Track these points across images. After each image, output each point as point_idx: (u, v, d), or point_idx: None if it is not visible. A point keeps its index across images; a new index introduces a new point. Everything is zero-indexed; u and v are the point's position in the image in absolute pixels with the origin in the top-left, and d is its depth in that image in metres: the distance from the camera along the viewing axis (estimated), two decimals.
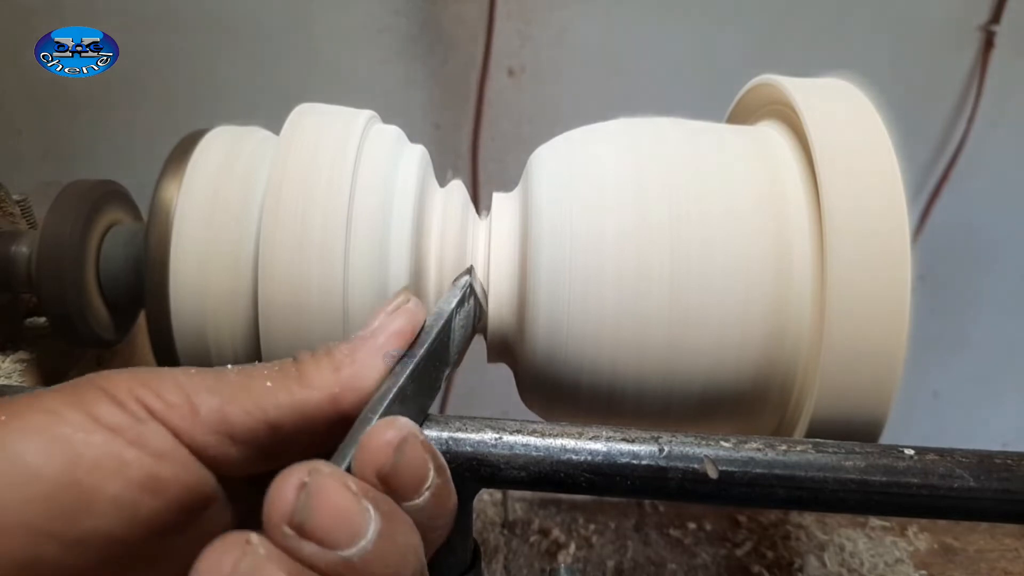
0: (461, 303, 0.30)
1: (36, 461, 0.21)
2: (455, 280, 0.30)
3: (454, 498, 0.25)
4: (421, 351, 0.27)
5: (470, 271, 0.31)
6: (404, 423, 0.24)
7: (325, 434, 0.25)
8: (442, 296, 0.30)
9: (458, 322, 0.29)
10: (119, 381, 0.24)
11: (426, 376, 0.27)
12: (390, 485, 0.23)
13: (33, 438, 0.22)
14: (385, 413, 0.24)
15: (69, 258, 0.37)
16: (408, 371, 0.26)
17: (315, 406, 0.25)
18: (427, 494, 0.23)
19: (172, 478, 0.23)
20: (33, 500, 0.21)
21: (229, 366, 0.26)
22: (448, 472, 0.24)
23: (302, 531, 0.20)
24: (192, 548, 0.24)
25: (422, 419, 0.28)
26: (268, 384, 0.25)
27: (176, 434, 0.23)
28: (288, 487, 0.21)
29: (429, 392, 0.27)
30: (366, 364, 0.26)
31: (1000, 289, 1.11)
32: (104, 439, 0.22)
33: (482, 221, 0.40)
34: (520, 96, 0.96)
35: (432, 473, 0.24)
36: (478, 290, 0.31)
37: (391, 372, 0.26)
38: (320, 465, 0.22)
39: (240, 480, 0.25)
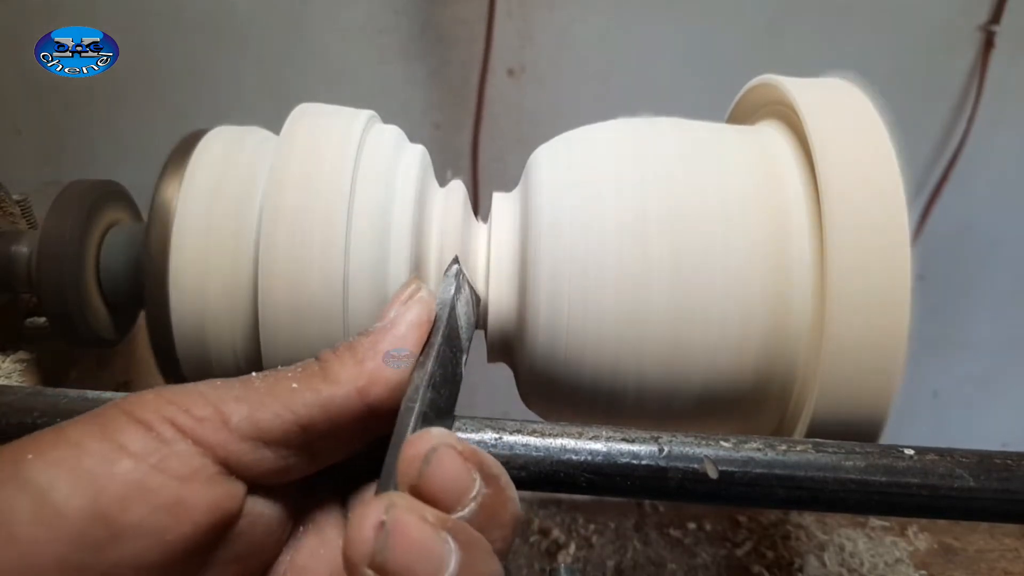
0: (458, 290, 0.30)
1: (61, 497, 0.21)
2: (446, 271, 0.31)
3: (512, 508, 0.23)
4: (439, 337, 0.27)
5: (456, 260, 0.31)
6: (435, 433, 0.23)
7: (357, 428, 0.25)
8: (438, 287, 0.30)
9: (460, 308, 0.30)
10: (146, 403, 0.24)
11: (448, 363, 0.27)
12: (423, 498, 0.22)
13: (58, 474, 0.22)
14: (422, 401, 0.24)
15: (69, 258, 0.37)
16: (432, 357, 0.26)
17: (343, 401, 0.25)
18: (472, 505, 0.22)
19: (198, 499, 0.23)
20: (62, 537, 0.21)
21: (254, 374, 0.26)
22: (504, 480, 0.23)
23: (384, 570, 0.20)
24: (229, 562, 0.24)
25: (452, 407, 0.28)
26: (294, 386, 0.25)
27: (210, 448, 0.23)
28: (367, 526, 0.20)
29: (453, 379, 0.28)
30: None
31: (1000, 289, 1.11)
32: (128, 467, 0.22)
33: (482, 221, 0.40)
34: (520, 96, 0.96)
35: (478, 483, 0.22)
36: (469, 277, 0.32)
37: (417, 362, 0.26)
38: (396, 499, 0.21)
39: (279, 486, 0.25)
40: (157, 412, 0.23)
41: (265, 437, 0.24)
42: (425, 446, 0.22)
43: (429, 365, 0.26)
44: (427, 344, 0.27)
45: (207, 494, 0.23)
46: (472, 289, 0.32)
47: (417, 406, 0.24)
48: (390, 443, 0.24)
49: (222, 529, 0.24)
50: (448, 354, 0.27)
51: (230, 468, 0.24)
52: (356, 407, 0.25)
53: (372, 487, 0.27)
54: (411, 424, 0.24)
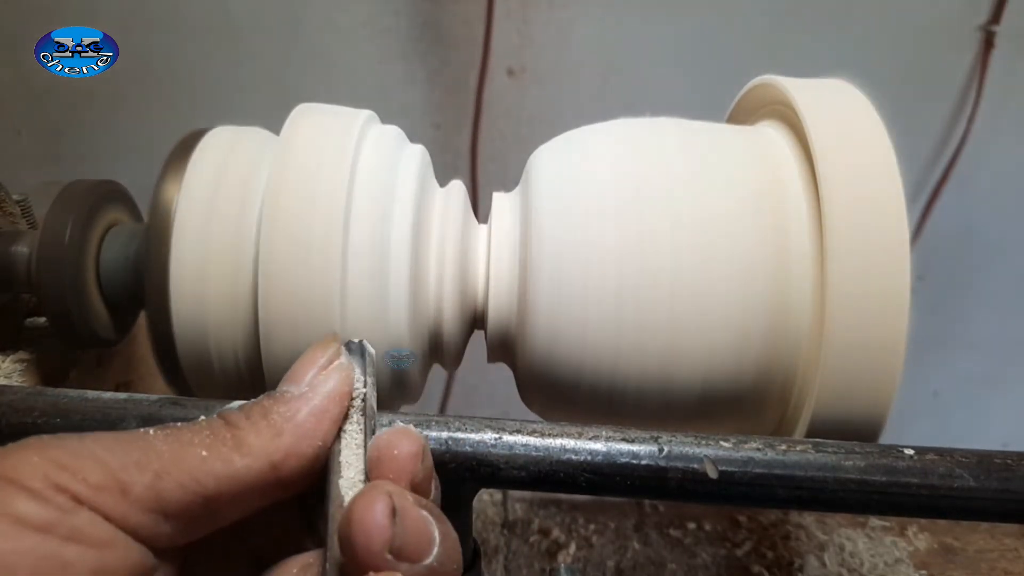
0: (366, 367, 0.28)
1: None
2: (347, 346, 0.28)
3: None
4: (358, 417, 0.26)
5: (361, 342, 0.29)
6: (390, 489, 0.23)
7: (260, 500, 0.24)
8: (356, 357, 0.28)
9: (370, 391, 0.28)
10: (30, 468, 0.21)
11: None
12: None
13: None
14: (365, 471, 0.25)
15: (69, 258, 0.37)
16: (364, 437, 0.26)
17: (256, 475, 0.24)
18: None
19: (120, 564, 0.21)
20: None
21: (151, 431, 0.24)
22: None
23: (400, 554, 0.21)
24: None
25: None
26: (203, 453, 0.23)
27: (108, 518, 0.21)
28: (382, 516, 0.21)
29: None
30: (308, 429, 0.25)
31: (1000, 289, 1.11)
32: (35, 542, 0.20)
33: (482, 221, 0.40)
34: (520, 96, 0.95)
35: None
36: (369, 349, 0.29)
37: (341, 440, 0.25)
38: (391, 486, 0.23)
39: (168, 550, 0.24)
40: (46, 480, 0.21)
41: (166, 509, 0.22)
42: (387, 505, 0.22)
43: (366, 447, 0.25)
44: (346, 418, 0.26)
45: (129, 557, 0.22)
46: (370, 356, 0.29)
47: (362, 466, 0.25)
48: (328, 515, 0.24)
49: None
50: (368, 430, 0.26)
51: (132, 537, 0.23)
52: (268, 480, 0.24)
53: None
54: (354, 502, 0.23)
